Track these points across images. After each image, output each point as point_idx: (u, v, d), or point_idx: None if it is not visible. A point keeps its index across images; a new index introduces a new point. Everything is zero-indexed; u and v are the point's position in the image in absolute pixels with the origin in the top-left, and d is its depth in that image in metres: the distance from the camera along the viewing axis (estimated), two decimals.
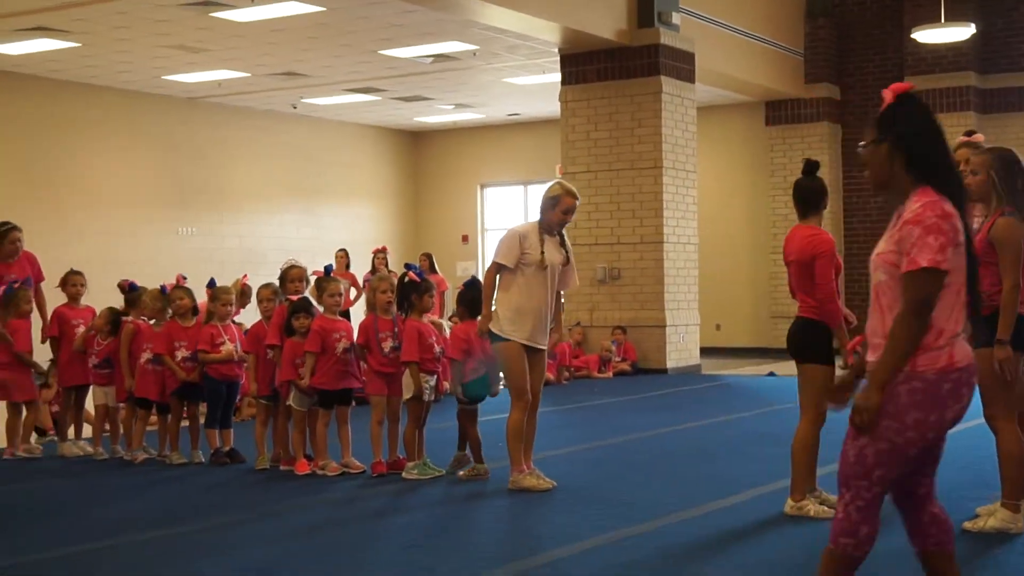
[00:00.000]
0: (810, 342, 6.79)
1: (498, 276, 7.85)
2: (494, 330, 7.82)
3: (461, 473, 8.35)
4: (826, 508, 6.73)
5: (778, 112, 22.22)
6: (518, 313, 7.78)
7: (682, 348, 18.04)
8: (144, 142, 21.04)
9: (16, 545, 6.41)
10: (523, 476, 7.82)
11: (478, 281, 8.48)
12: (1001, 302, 6.14)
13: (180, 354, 9.30)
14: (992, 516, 6.31)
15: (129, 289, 9.85)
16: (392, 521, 7.13)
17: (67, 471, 9.17)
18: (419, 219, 26.66)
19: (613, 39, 17.33)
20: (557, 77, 18.57)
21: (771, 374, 17.33)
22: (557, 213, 7.85)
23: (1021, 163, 6.40)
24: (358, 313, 16.75)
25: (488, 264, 7.95)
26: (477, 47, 18.00)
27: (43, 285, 10.28)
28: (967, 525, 6.36)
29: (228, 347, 9.21)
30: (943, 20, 18.30)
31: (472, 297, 8.34)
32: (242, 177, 22.75)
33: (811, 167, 6.98)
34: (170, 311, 9.46)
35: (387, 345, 8.43)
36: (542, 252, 7.79)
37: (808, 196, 6.90)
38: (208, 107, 22.03)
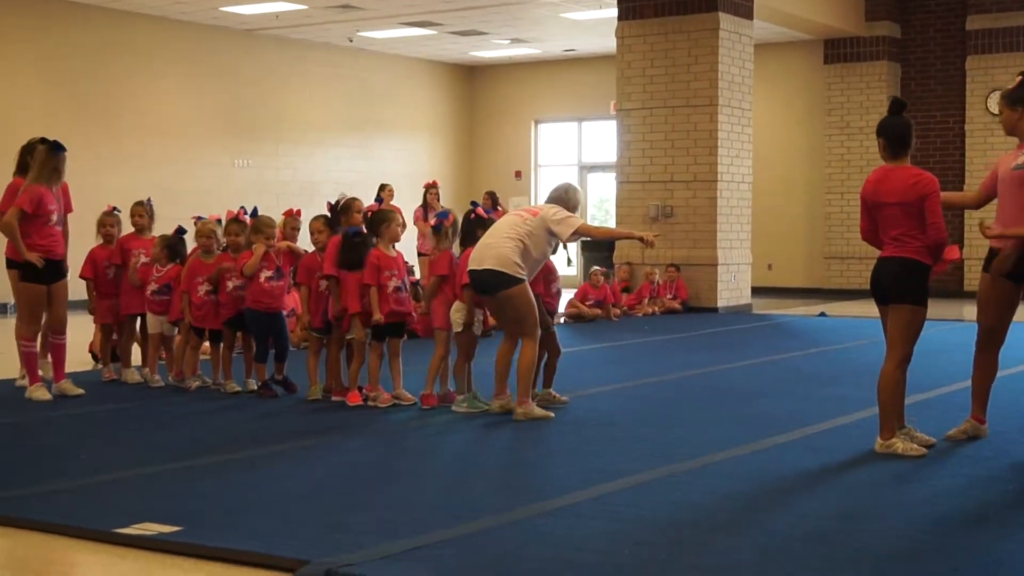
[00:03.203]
0: (909, 283, 6.70)
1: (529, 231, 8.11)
2: (510, 272, 7.98)
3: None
4: (915, 446, 6.77)
5: (836, 50, 21.95)
6: (534, 266, 8.21)
7: (733, 287, 18.01)
8: (201, 74, 21.13)
9: (76, 468, 6.56)
10: (532, 407, 8.12)
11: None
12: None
13: (231, 283, 9.41)
14: None
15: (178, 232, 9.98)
16: (440, 453, 7.23)
17: (125, 396, 9.32)
18: (473, 154, 26.65)
19: None
20: (614, 12, 18.45)
21: (822, 314, 17.26)
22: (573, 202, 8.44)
23: None
24: (408, 248, 16.86)
25: (566, 215, 8.19)
26: None
27: (70, 217, 10.00)
28: None
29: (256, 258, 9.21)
30: None
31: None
32: (297, 110, 22.82)
33: (898, 105, 6.89)
34: (223, 243, 9.56)
35: (392, 284, 8.58)
36: None
37: (899, 135, 6.79)
38: (265, 39, 22.07)
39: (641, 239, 8.26)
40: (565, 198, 8.36)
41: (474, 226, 8.49)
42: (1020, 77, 7.01)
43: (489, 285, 8.04)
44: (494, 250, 8.01)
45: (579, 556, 4.80)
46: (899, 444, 6.75)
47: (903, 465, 6.54)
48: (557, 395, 8.64)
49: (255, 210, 9.56)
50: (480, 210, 8.61)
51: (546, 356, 8.57)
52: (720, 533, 5.22)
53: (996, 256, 7.00)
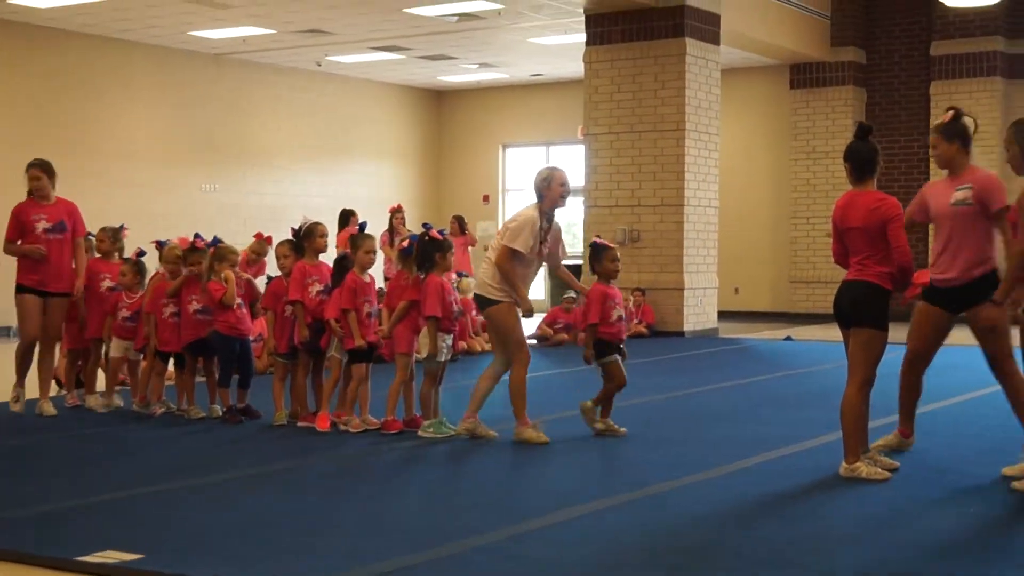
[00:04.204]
0: (869, 307, 6.74)
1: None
2: (482, 294, 8.18)
3: (599, 426, 8.47)
4: (879, 469, 6.81)
5: (803, 75, 22.11)
6: (524, 280, 8.25)
7: (700, 311, 18.07)
8: (169, 98, 21.08)
9: (39, 494, 6.50)
10: (525, 428, 8.10)
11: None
12: (1008, 264, 6.37)
13: (193, 307, 9.38)
14: None
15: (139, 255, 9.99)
16: (408, 478, 7.21)
17: (90, 422, 9.25)
18: (441, 178, 26.67)
19: (638, 0, 17.28)
20: (582, 37, 18.53)
21: (788, 338, 17.34)
22: (555, 187, 8.23)
23: None
24: (376, 272, 16.81)
25: (502, 242, 8.14)
26: (502, 6, 17.96)
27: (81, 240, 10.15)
28: (1008, 471, 6.77)
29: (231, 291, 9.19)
30: None
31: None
32: (265, 134, 22.79)
33: (864, 131, 6.96)
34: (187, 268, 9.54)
35: (364, 310, 8.58)
36: (542, 241, 8.22)
37: (864, 160, 6.85)
38: (233, 64, 22.05)
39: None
40: (542, 187, 8.28)
41: (431, 248, 8.49)
42: (952, 111, 7.12)
43: (479, 307, 8.37)
44: (479, 273, 8.25)
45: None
46: (863, 468, 6.78)
47: (867, 489, 6.57)
48: (615, 425, 8.43)
49: (215, 239, 9.56)
50: (434, 232, 8.56)
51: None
52: (690, 556, 5.22)
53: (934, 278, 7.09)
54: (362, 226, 9.10)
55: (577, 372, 12.86)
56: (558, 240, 8.47)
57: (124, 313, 9.76)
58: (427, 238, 8.50)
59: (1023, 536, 5.72)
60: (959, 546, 5.47)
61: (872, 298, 6.74)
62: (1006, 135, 6.61)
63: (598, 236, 9.06)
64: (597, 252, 8.47)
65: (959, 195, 6.91)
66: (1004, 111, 20.29)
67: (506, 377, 8.29)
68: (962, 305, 6.99)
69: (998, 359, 6.89)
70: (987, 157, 20.45)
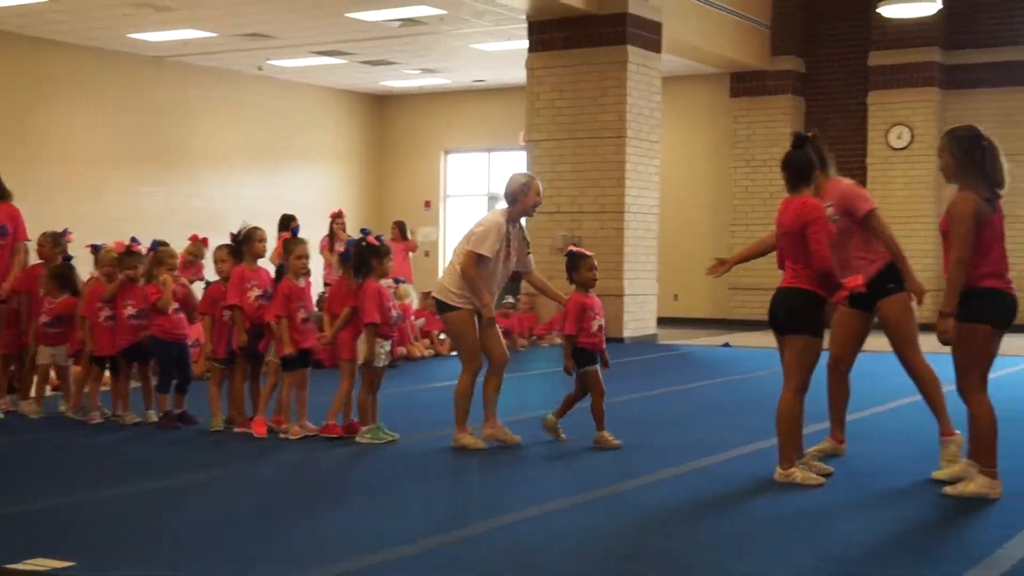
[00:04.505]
0: (802, 314, 6.82)
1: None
2: (441, 298, 8.17)
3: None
4: (813, 475, 6.88)
5: (743, 84, 22.28)
6: (489, 285, 8.21)
7: (639, 318, 18.15)
8: (109, 100, 20.89)
9: None
10: (464, 435, 8.11)
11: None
12: (947, 275, 6.43)
13: (128, 311, 9.30)
14: (972, 482, 6.54)
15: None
16: (346, 484, 7.20)
17: (23, 428, 9.15)
18: (382, 184, 26.61)
19: (580, 7, 17.35)
20: (524, 44, 18.57)
21: (726, 345, 17.46)
22: (532, 196, 8.24)
23: (979, 139, 6.59)
24: (314, 277, 16.75)
25: (457, 242, 8.27)
26: (445, 12, 17.95)
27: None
28: (938, 475, 6.96)
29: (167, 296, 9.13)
30: None
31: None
32: (206, 138, 22.64)
33: (800, 140, 7.06)
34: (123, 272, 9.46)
35: (299, 316, 8.53)
36: (509, 245, 8.19)
37: (797, 168, 6.95)
38: (173, 66, 21.89)
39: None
40: (519, 192, 8.25)
41: (367, 255, 8.47)
42: (793, 135, 7.22)
43: (438, 311, 8.33)
44: (441, 278, 8.28)
45: None
46: (798, 473, 6.85)
47: (802, 494, 6.63)
48: (610, 437, 8.25)
49: (154, 243, 9.49)
50: (371, 237, 8.54)
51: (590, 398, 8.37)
52: (625, 562, 5.25)
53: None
54: (294, 231, 9.06)
55: (520, 377, 12.87)
56: (524, 242, 8.39)
57: (44, 319, 9.65)
58: (364, 244, 8.48)
59: (955, 538, 5.80)
60: (890, 548, 5.55)
61: (806, 306, 6.81)
62: (939, 143, 6.71)
63: (575, 245, 8.97)
64: (574, 261, 8.37)
65: (828, 212, 7.06)
66: (940, 121, 20.56)
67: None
68: (870, 301, 7.28)
69: (902, 351, 7.27)
70: (924, 167, 20.75)
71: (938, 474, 7.01)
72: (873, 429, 8.89)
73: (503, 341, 8.39)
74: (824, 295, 6.81)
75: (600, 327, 8.34)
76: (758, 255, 8.06)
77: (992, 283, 6.45)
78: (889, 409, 9.97)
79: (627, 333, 17.78)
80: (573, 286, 8.42)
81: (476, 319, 8.15)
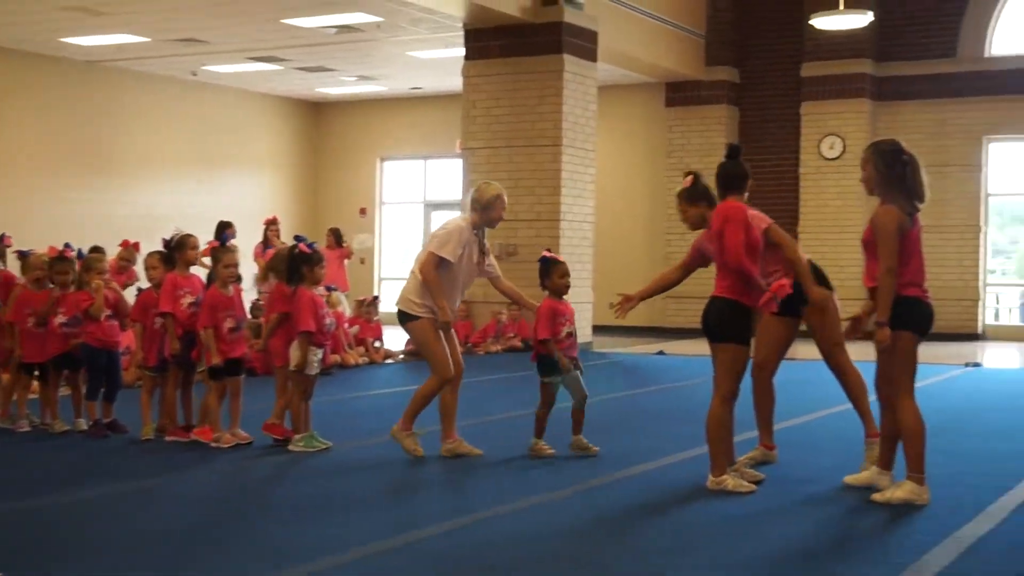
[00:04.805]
0: (729, 322, 6.91)
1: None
2: (403, 308, 8.05)
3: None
4: (745, 482, 6.95)
5: (678, 94, 22.44)
6: (451, 291, 8.11)
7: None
8: (42, 104, 20.65)
9: None
10: (407, 435, 8.09)
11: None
12: (878, 286, 6.53)
13: (59, 319, 9.19)
14: (900, 488, 6.64)
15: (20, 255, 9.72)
16: (279, 492, 7.16)
17: None
18: (318, 191, 26.51)
19: (517, 15, 17.39)
20: (461, 52, 18.58)
21: (661, 352, 17.56)
22: (499, 209, 8.20)
23: (901, 152, 6.68)
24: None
25: (415, 247, 8.07)
26: (382, 19, 17.93)
27: None
28: (850, 480, 7.09)
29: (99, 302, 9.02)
30: (842, 7, 18.59)
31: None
32: (139, 143, 22.43)
33: (734, 151, 7.17)
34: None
35: (227, 325, 8.47)
36: (471, 252, 8.12)
37: (727, 177, 7.08)
38: (108, 71, 21.67)
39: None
40: (489, 203, 8.16)
41: (298, 262, 8.43)
42: (691, 176, 7.45)
43: (400, 321, 8.16)
44: (403, 288, 8.15)
45: None
46: (729, 481, 6.91)
47: (733, 501, 6.70)
48: (586, 443, 8.21)
49: (91, 249, 9.40)
50: (303, 245, 8.50)
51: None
52: (555, 568, 5.27)
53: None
54: (223, 239, 8.99)
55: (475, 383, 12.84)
56: (484, 249, 8.27)
57: None
58: (296, 251, 8.45)
59: (882, 544, 5.87)
60: (819, 554, 5.62)
61: (732, 314, 6.89)
62: (863, 156, 6.83)
63: (548, 250, 8.91)
64: (547, 267, 8.30)
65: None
66: (871, 132, 20.83)
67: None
68: (796, 307, 7.39)
69: (830, 354, 7.35)
70: (855, 177, 20.91)
71: (850, 479, 7.12)
72: (804, 437, 8.98)
73: (459, 349, 8.37)
74: (750, 304, 6.89)
75: (570, 334, 8.29)
76: (663, 290, 8.06)
77: (913, 292, 6.60)
78: (819, 417, 10.07)
79: None
80: (545, 292, 8.35)
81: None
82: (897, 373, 6.61)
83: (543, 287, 8.37)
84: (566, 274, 8.34)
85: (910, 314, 6.58)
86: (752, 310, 6.92)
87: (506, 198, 8.31)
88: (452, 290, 8.12)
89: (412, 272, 8.18)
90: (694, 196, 7.39)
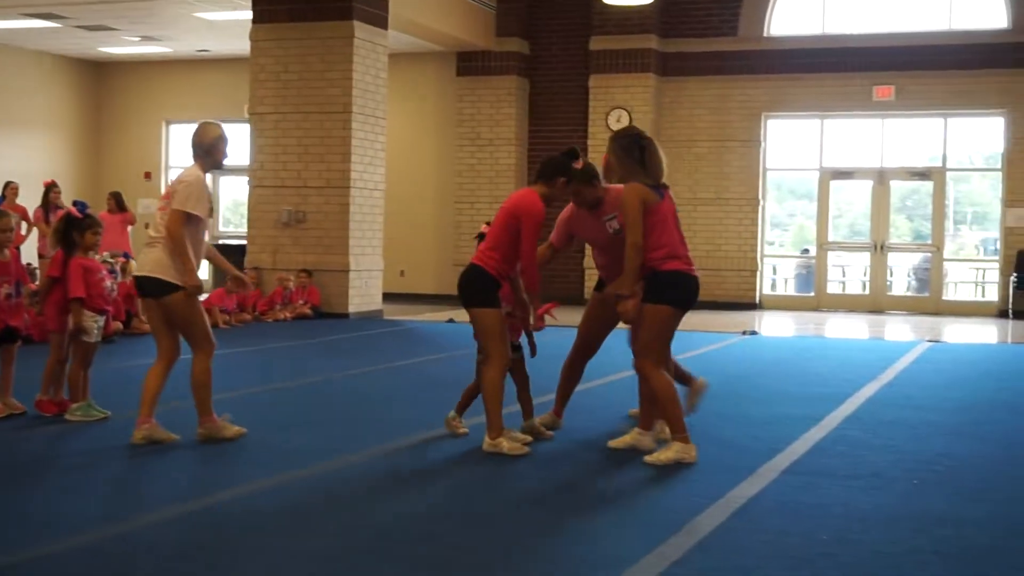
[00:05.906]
0: (477, 288, 7.29)
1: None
2: (161, 276, 7.24)
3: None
4: (519, 444, 7.21)
5: (468, 63, 22.51)
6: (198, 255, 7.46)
7: (364, 293, 18.16)
8: None
9: None
10: (215, 423, 7.53)
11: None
12: (625, 260, 6.92)
13: None
14: (669, 449, 6.93)
15: None
16: (54, 463, 6.97)
17: None
18: (100, 153, 25.72)
19: None
20: (248, 14, 18.26)
21: (450, 320, 17.67)
22: (222, 147, 7.64)
23: (639, 138, 7.15)
24: (29, 249, 16.12)
25: (175, 203, 7.26)
26: None
27: None
28: (613, 444, 7.38)
29: None
30: None
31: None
32: None
33: (571, 155, 7.41)
34: None
35: (2, 291, 8.19)
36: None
37: (545, 166, 7.40)
38: None
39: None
40: (215, 146, 7.60)
41: (68, 228, 8.16)
42: (581, 162, 7.50)
43: (150, 292, 7.35)
44: (151, 253, 7.33)
45: (183, 566, 4.79)
46: (505, 443, 7.16)
47: (506, 462, 6.92)
48: (540, 427, 7.78)
49: None
50: (73, 209, 8.20)
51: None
52: (324, 535, 5.29)
53: (607, 282, 7.68)
54: (1, 199, 8.68)
55: (245, 352, 12.70)
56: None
57: None
58: (68, 216, 8.19)
59: (657, 505, 6.05)
60: (596, 516, 5.76)
61: (475, 281, 7.29)
62: (608, 146, 7.26)
63: (488, 223, 8.24)
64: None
65: (614, 224, 7.48)
66: (656, 106, 21.32)
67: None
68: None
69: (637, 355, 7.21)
70: None
71: (614, 443, 7.40)
72: (590, 402, 9.17)
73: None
74: (495, 275, 7.24)
75: (508, 313, 7.60)
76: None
77: (674, 265, 6.94)
78: (605, 383, 10.30)
79: (352, 308, 17.78)
80: None
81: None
82: (649, 342, 6.95)
83: None
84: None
85: (672, 288, 6.93)
86: (493, 278, 7.27)
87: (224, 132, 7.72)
88: (197, 248, 7.39)
89: (157, 237, 7.33)
90: (587, 177, 7.43)
